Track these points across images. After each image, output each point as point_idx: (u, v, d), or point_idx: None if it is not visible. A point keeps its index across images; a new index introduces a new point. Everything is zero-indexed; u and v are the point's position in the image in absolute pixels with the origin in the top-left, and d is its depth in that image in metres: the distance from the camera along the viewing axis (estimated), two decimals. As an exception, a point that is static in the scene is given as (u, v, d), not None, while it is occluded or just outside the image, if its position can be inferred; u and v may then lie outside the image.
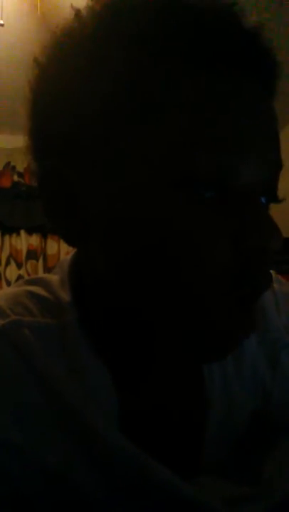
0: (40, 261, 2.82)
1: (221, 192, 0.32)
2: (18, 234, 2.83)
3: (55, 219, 0.36)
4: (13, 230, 2.80)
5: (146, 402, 0.39)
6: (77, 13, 0.35)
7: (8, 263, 2.81)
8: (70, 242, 0.37)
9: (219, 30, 0.32)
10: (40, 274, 2.74)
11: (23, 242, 2.83)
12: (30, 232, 2.80)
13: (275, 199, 0.36)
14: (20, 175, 2.73)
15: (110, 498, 0.34)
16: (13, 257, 2.82)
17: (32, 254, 2.81)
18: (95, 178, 0.34)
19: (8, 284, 2.72)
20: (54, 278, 0.43)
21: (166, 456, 0.35)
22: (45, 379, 0.35)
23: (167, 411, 0.39)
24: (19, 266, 2.82)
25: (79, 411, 0.35)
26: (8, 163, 2.77)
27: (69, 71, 0.34)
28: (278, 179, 0.36)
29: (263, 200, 0.35)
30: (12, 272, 2.79)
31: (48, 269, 2.73)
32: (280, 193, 0.37)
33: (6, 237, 2.84)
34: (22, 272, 2.80)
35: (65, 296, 0.40)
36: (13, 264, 2.81)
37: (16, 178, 2.76)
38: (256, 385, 0.41)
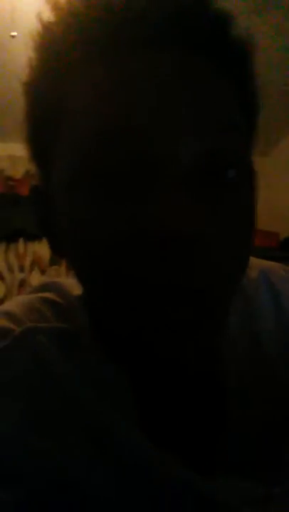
0: (64, 266, 2.85)
1: (129, 172, 0.30)
2: (41, 240, 2.86)
3: (41, 231, 0.39)
4: (35, 236, 2.84)
5: (163, 404, 0.39)
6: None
7: (31, 270, 2.85)
8: (53, 251, 0.40)
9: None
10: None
11: (46, 248, 2.86)
12: (52, 238, 2.83)
13: (223, 173, 0.31)
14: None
15: (131, 499, 0.34)
16: (37, 263, 2.86)
17: (55, 260, 2.84)
18: (54, 192, 0.35)
19: (33, 290, 2.75)
20: (69, 282, 0.43)
21: (187, 456, 0.35)
22: (62, 384, 0.35)
23: (185, 410, 0.39)
24: (43, 272, 2.85)
25: (97, 415, 0.35)
26: (28, 171, 2.80)
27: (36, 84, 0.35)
28: (227, 149, 0.31)
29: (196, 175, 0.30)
30: (36, 278, 2.83)
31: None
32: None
33: (29, 244, 2.88)
34: (46, 277, 2.83)
35: (78, 299, 0.40)
36: (36, 271, 2.85)
37: (35, 185, 2.80)
38: (275, 391, 0.40)
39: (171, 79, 0.31)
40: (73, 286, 0.42)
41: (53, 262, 2.85)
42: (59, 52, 0.33)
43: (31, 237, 2.84)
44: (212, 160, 0.30)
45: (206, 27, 0.33)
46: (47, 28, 0.34)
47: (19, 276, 2.81)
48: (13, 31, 1.61)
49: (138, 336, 0.31)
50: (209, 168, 0.31)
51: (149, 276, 0.29)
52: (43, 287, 0.44)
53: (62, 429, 0.34)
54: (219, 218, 0.30)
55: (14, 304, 0.42)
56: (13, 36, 1.58)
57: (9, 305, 0.42)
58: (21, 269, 2.83)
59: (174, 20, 0.32)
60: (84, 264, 0.33)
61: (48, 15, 0.34)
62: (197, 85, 0.31)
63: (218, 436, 0.38)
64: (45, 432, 0.34)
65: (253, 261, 0.46)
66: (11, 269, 2.84)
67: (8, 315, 0.39)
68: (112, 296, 0.32)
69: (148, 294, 0.30)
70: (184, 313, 0.30)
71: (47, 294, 0.42)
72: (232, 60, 0.34)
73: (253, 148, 0.37)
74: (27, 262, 2.85)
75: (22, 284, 2.81)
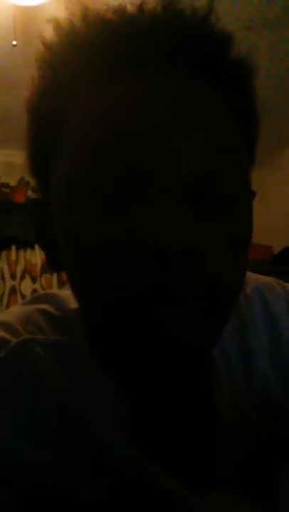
0: (55, 275, 2.84)
1: (126, 186, 0.31)
2: (33, 248, 2.85)
3: (40, 244, 0.40)
4: (27, 244, 2.83)
5: (157, 418, 0.39)
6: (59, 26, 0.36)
7: (23, 277, 2.84)
8: (50, 265, 0.40)
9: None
10: (55, 288, 2.77)
11: (38, 256, 2.85)
12: (44, 246, 2.82)
13: (220, 192, 0.32)
14: (34, 190, 2.77)
15: (120, 511, 0.34)
16: (28, 271, 2.85)
17: (46, 269, 2.83)
18: (53, 205, 0.36)
19: (24, 298, 2.73)
20: (65, 294, 0.43)
21: (179, 471, 0.35)
22: (56, 396, 0.36)
23: (178, 424, 0.39)
24: (34, 280, 2.84)
25: (90, 427, 0.35)
26: (23, 179, 2.81)
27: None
28: (217, 169, 0.32)
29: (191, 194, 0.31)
30: (27, 286, 2.82)
31: (62, 283, 2.75)
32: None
33: (21, 252, 2.87)
34: (37, 286, 2.82)
35: (74, 312, 0.40)
36: (28, 279, 2.83)
37: (30, 193, 2.80)
38: (268, 406, 0.40)
39: (173, 99, 0.32)
40: (69, 298, 0.43)
41: (44, 270, 2.84)
42: (61, 70, 0.34)
43: (23, 244, 2.84)
44: (209, 179, 0.31)
45: (207, 48, 0.34)
46: (49, 48, 0.35)
47: (10, 283, 2.80)
48: (14, 40, 1.62)
49: (135, 346, 0.31)
50: (206, 187, 0.31)
51: (146, 285, 0.30)
52: (39, 298, 0.44)
53: (54, 438, 0.34)
54: (214, 233, 0.31)
55: (10, 314, 0.42)
56: (14, 45, 1.59)
57: (5, 315, 0.42)
58: (13, 276, 2.82)
59: (176, 41, 0.33)
60: (81, 275, 0.33)
61: (50, 34, 0.35)
62: (199, 105, 0.32)
63: (211, 450, 0.39)
64: (36, 440, 0.34)
65: (249, 276, 0.46)
66: (2, 277, 2.82)
67: (5, 325, 0.39)
68: (109, 308, 0.32)
69: (145, 304, 0.30)
70: (181, 323, 0.30)
71: (43, 306, 0.42)
72: (233, 80, 0.35)
73: (252, 166, 0.38)
74: (18, 270, 2.84)
75: (13, 291, 2.79)
